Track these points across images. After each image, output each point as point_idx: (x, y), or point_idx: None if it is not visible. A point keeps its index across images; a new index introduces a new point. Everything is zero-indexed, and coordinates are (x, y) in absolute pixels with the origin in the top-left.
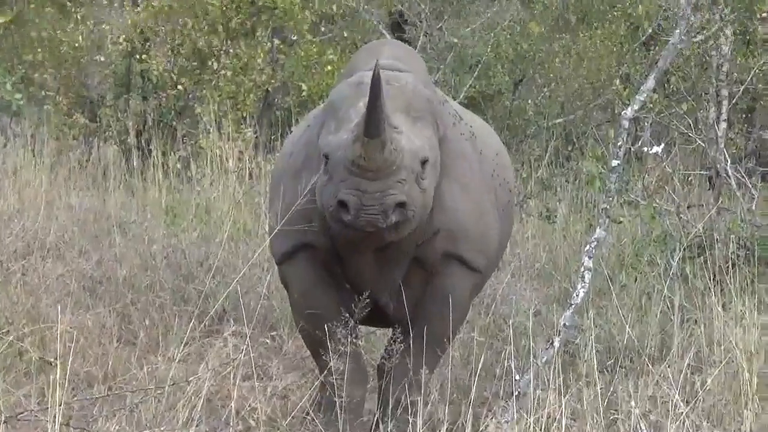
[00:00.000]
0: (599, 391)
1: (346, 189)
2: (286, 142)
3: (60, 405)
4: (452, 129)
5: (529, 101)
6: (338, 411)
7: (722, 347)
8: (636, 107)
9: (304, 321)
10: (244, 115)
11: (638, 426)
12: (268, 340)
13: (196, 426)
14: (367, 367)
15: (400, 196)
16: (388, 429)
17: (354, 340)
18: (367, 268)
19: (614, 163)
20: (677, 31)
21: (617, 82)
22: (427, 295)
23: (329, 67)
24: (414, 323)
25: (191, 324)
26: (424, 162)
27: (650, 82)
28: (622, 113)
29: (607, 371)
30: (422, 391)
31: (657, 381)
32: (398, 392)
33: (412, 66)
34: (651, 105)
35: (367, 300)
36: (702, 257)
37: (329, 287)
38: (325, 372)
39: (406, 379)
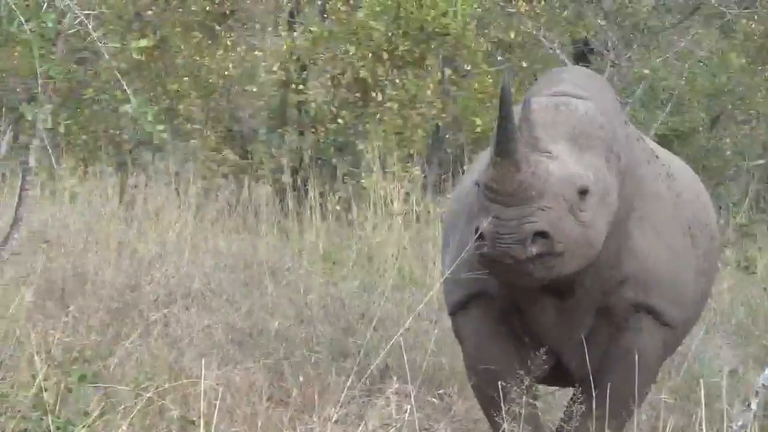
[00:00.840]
0: None
1: (482, 217)
2: (461, 182)
3: None
4: (647, 167)
5: (728, 140)
6: None
7: None
8: None
9: (476, 377)
10: (411, 152)
11: None
12: (435, 400)
13: None
14: (545, 430)
15: (540, 224)
16: None
17: (531, 401)
18: (547, 318)
19: None
20: None
21: None
22: (613, 351)
23: None
24: (598, 383)
25: (350, 381)
26: (583, 192)
27: None
28: None
29: None
30: None
31: None
32: None
33: (598, 94)
34: None
35: (546, 355)
36: None
37: (506, 341)
38: None
39: None
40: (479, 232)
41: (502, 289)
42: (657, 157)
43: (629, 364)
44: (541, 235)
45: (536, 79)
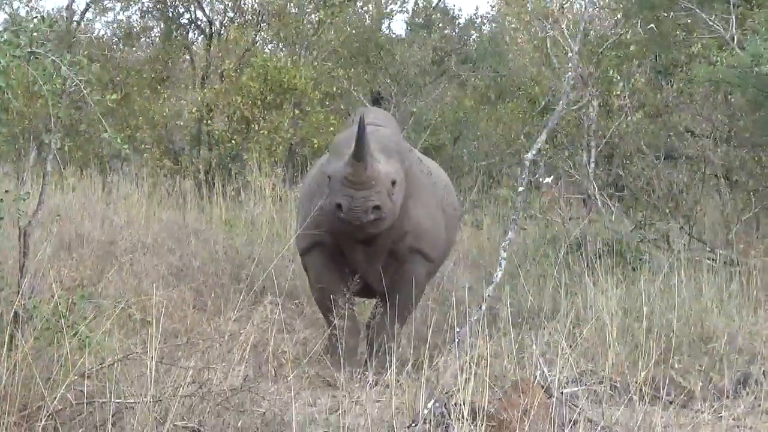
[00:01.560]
0: (512, 338)
1: (342, 195)
2: (306, 178)
3: (156, 349)
4: (415, 166)
5: (464, 150)
6: (340, 353)
7: (593, 310)
8: (534, 152)
9: (317, 293)
10: (276, 160)
11: (537, 362)
12: (293, 306)
13: (246, 363)
14: (359, 324)
15: (376, 202)
16: (373, 365)
17: (351, 306)
18: (359, 258)
19: (519, 189)
20: (561, 102)
21: (522, 137)
22: (398, 276)
23: (332, 128)
24: (389, 295)
25: (242, 296)
26: (393, 182)
27: (543, 135)
28: (524, 156)
29: (518, 326)
30: (395, 340)
31: (550, 332)
32: (379, 341)
33: (388, 124)
34: (544, 152)
35: (359, 279)
36: (579, 252)
37: (334, 271)
38: (332, 327)
39: (385, 332)
40: (339, 205)
41: (332, 240)
42: (421, 161)
43: (409, 285)
44: (376, 207)
45: (350, 115)
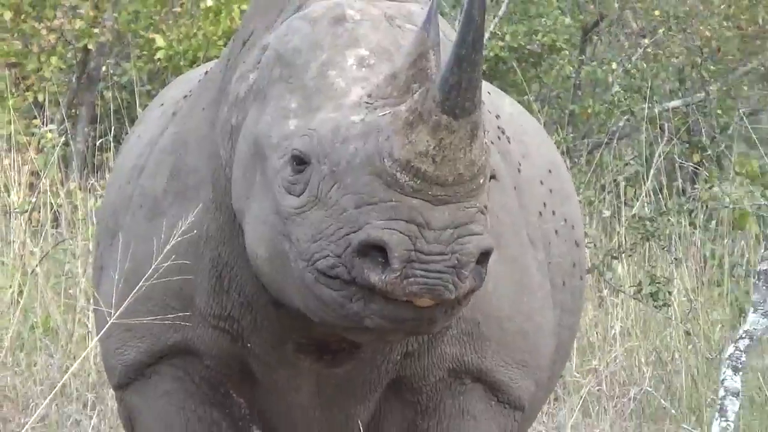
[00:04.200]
0: None
1: (383, 220)
2: (125, 151)
3: None
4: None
5: (615, 66)
6: None
7: None
8: None
9: None
10: (41, 98)
11: None
12: None
13: None
14: None
15: (486, 239)
16: None
17: None
18: (301, 395)
19: None
20: None
21: None
22: None
23: (209, 2)
24: None
25: None
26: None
27: None
28: None
29: None
30: None
31: None
32: None
33: None
34: None
35: None
36: None
37: (209, 425)
38: None
39: None
40: (364, 246)
41: (220, 339)
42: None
43: None
44: (485, 253)
45: None
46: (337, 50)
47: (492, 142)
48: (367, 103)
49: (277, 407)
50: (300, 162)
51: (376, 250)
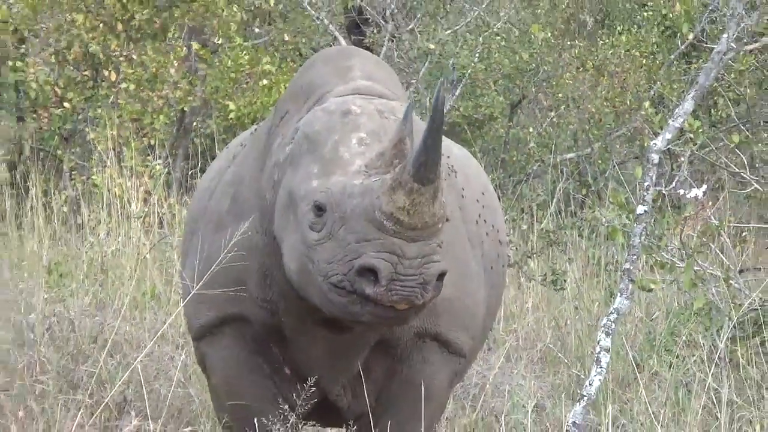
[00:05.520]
0: None
1: (374, 251)
2: (204, 178)
3: None
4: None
5: (531, 129)
6: None
7: None
8: (669, 136)
9: (227, 415)
10: (152, 142)
11: None
12: None
13: None
14: None
15: (442, 264)
16: None
17: None
18: (317, 349)
19: (641, 210)
20: (725, 36)
21: (647, 104)
22: (395, 385)
23: (265, 81)
24: (377, 421)
25: (80, 417)
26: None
27: (688, 104)
28: (651, 144)
29: None
30: None
31: None
32: None
33: (388, 85)
34: (691, 135)
35: (313, 389)
36: (758, 337)
37: (260, 373)
38: None
39: None
40: (368, 270)
41: (261, 312)
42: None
43: (415, 398)
44: (441, 276)
45: (307, 59)
46: (345, 133)
47: (444, 178)
48: (364, 171)
49: (301, 357)
50: (319, 209)
51: (369, 272)
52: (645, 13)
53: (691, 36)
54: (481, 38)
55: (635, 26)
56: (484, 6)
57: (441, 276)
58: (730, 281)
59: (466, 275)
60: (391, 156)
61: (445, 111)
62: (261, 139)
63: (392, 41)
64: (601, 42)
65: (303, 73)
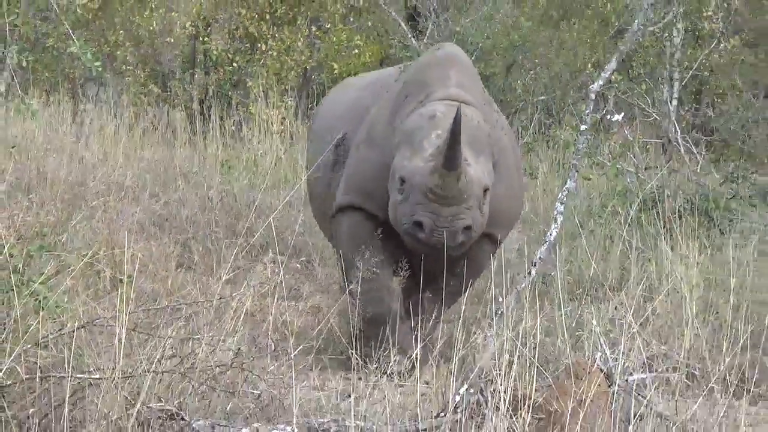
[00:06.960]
0: (568, 313)
1: (423, 211)
2: (323, 104)
3: (127, 314)
4: (498, 129)
5: (519, 82)
6: (386, 321)
7: (669, 281)
8: (601, 82)
9: (347, 247)
10: (287, 88)
11: (598, 342)
12: (300, 267)
13: (239, 334)
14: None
15: (467, 221)
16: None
17: (398, 270)
18: (418, 256)
19: (582, 127)
20: (636, 21)
21: (590, 67)
22: (460, 261)
23: (356, 51)
24: (441, 279)
25: (237, 253)
26: (485, 190)
27: (613, 63)
28: (590, 87)
29: (575, 298)
30: (439, 327)
31: (615, 306)
32: (424, 326)
33: (474, 90)
34: (616, 84)
35: (407, 268)
36: (655, 209)
37: (376, 237)
38: (358, 281)
39: (431, 316)
40: (419, 223)
41: (384, 214)
42: (499, 114)
43: (472, 271)
44: (467, 228)
45: (378, 35)
46: (428, 131)
47: (493, 126)
48: (429, 158)
49: (409, 256)
50: (402, 181)
51: (420, 225)
52: (588, 10)
53: (617, 24)
54: (488, 25)
55: (583, 19)
56: (490, 5)
57: (467, 228)
58: (639, 174)
59: (514, 196)
60: (443, 148)
61: None
62: (391, 103)
63: (434, 26)
64: (562, 29)
65: (423, 70)
